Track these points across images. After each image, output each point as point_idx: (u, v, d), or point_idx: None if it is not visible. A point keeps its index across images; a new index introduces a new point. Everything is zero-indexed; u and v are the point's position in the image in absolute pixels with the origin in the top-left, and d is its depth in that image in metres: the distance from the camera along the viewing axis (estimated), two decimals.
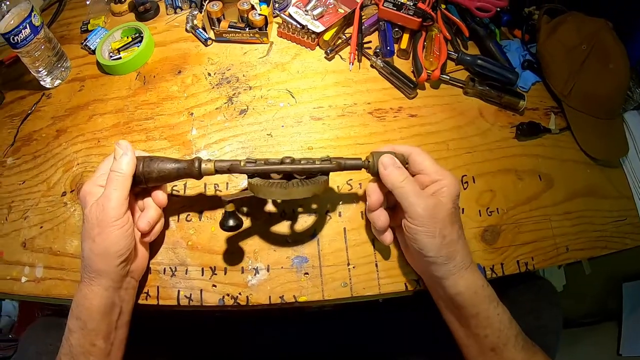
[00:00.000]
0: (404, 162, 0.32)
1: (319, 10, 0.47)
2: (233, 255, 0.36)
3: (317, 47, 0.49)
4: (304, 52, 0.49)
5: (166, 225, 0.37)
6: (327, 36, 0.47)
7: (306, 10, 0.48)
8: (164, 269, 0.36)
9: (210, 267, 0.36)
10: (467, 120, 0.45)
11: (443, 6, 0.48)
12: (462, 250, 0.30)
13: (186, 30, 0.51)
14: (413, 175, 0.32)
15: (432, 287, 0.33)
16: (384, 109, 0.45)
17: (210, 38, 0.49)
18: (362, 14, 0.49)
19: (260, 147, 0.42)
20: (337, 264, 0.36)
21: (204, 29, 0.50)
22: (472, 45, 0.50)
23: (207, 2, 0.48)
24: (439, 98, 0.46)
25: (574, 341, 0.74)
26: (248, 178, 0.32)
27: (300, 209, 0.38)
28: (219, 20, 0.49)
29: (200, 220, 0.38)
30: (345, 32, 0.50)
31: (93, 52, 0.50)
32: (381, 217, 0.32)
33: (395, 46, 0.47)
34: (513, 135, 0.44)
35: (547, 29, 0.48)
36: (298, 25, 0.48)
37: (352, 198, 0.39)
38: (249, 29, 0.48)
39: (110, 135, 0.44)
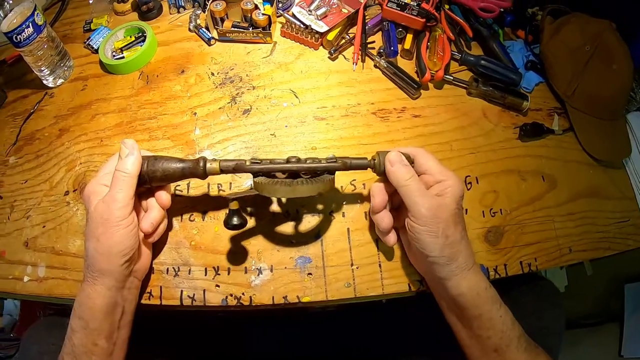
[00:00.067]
0: (410, 161, 0.32)
1: (322, 10, 0.47)
2: (236, 255, 0.36)
3: (321, 47, 0.49)
4: (308, 52, 0.49)
5: (169, 226, 0.37)
6: (330, 36, 0.47)
7: (310, 10, 0.48)
8: (167, 268, 0.36)
9: (214, 267, 0.36)
10: (470, 120, 0.45)
11: (446, 6, 0.48)
12: (465, 251, 0.30)
13: (189, 29, 0.51)
14: (418, 176, 0.32)
15: (434, 287, 0.33)
16: (388, 109, 0.44)
17: (213, 37, 0.49)
18: (366, 14, 0.49)
19: (264, 147, 0.42)
20: (341, 264, 0.36)
21: (207, 28, 0.50)
22: (475, 46, 0.50)
23: (210, 1, 0.48)
24: (442, 98, 0.46)
25: (575, 342, 0.74)
26: (253, 177, 0.32)
27: (304, 210, 0.38)
28: (222, 20, 0.49)
29: (203, 220, 0.38)
30: (349, 32, 0.50)
31: (96, 51, 0.50)
32: (385, 219, 0.32)
33: (399, 46, 0.47)
34: (516, 136, 0.44)
35: (551, 30, 0.48)
36: (302, 25, 0.48)
37: (356, 198, 0.39)
38: (253, 29, 0.48)
39: (113, 134, 0.44)
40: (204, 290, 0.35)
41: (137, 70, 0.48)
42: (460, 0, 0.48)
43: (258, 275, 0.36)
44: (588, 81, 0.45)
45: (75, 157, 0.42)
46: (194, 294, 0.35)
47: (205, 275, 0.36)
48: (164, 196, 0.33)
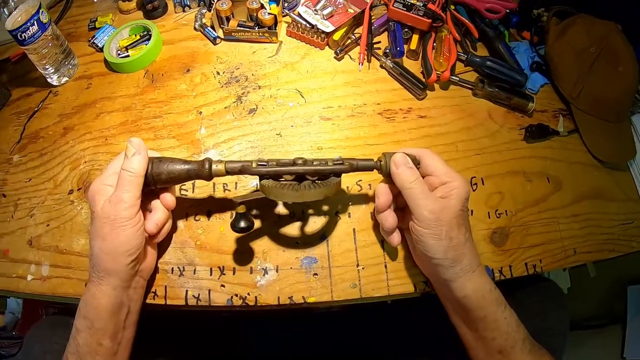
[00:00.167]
0: (416, 163, 0.32)
1: (328, 9, 0.47)
2: (242, 255, 0.36)
3: (327, 46, 0.49)
4: (314, 51, 0.49)
5: (174, 227, 0.37)
6: (336, 36, 0.47)
7: (316, 10, 0.48)
8: (172, 268, 0.36)
9: (219, 267, 0.36)
10: (476, 121, 0.45)
11: (452, 7, 0.48)
12: (469, 253, 0.30)
13: (194, 28, 0.51)
14: (423, 177, 0.32)
15: (439, 289, 0.33)
16: (394, 109, 0.44)
17: (219, 37, 0.49)
18: (372, 14, 0.49)
19: (270, 147, 0.42)
20: (347, 264, 0.36)
21: (212, 27, 0.50)
22: (480, 47, 0.50)
23: (216, 0, 0.48)
24: (448, 99, 0.46)
25: (578, 344, 0.74)
26: (260, 179, 0.32)
27: (310, 211, 0.38)
28: (228, 19, 0.49)
29: (208, 220, 0.38)
30: (355, 32, 0.50)
31: (100, 49, 0.50)
32: (389, 219, 0.32)
33: (405, 47, 0.47)
34: (522, 137, 0.44)
35: (556, 31, 0.48)
36: (307, 25, 0.48)
37: (362, 199, 0.39)
38: (258, 28, 0.48)
39: (118, 133, 0.43)
40: (209, 290, 0.35)
41: (142, 69, 0.48)
42: (466, 1, 0.48)
43: (264, 275, 0.36)
44: (593, 83, 0.45)
45: (79, 155, 0.42)
46: (199, 294, 0.35)
47: (211, 275, 0.36)
48: (168, 198, 0.32)
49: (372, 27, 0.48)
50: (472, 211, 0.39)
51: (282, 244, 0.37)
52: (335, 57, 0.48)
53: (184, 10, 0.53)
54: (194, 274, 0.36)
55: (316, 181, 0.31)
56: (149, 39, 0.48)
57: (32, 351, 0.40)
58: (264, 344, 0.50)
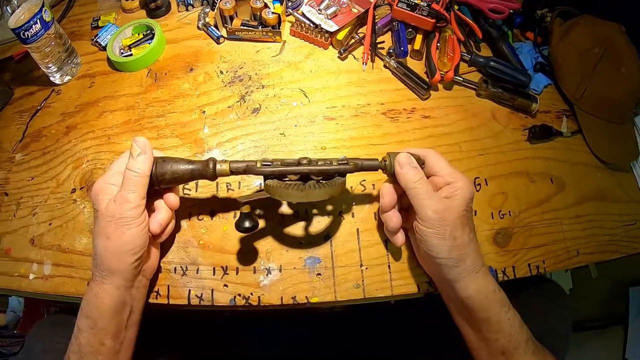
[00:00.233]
0: (421, 163, 0.32)
1: (332, 9, 0.47)
2: (245, 255, 0.36)
3: (330, 46, 0.49)
4: (317, 51, 0.49)
5: (177, 227, 0.37)
6: (340, 36, 0.47)
7: (319, 9, 0.47)
8: (175, 267, 0.36)
9: (222, 267, 0.36)
10: (479, 122, 0.44)
11: (456, 7, 0.48)
12: (473, 254, 0.30)
13: (198, 27, 0.51)
14: (428, 177, 0.32)
15: (443, 289, 0.33)
16: (398, 109, 0.44)
17: (222, 36, 0.49)
18: (375, 13, 0.49)
19: (273, 147, 0.41)
20: (350, 264, 0.36)
21: (216, 26, 0.50)
22: (484, 47, 0.50)
23: None
24: (452, 99, 0.46)
25: (580, 345, 0.74)
26: (264, 179, 0.31)
27: (314, 210, 0.38)
28: (231, 18, 0.48)
29: (212, 219, 0.38)
30: (359, 31, 0.50)
31: (104, 48, 0.49)
32: (393, 218, 0.32)
33: (409, 47, 0.47)
34: (525, 138, 0.44)
35: (560, 32, 0.48)
36: (311, 24, 0.48)
37: (366, 199, 0.39)
38: (262, 27, 0.48)
39: (121, 132, 0.43)
40: (212, 290, 0.35)
41: (145, 68, 0.48)
42: (469, 1, 0.48)
43: (267, 275, 0.35)
44: (597, 84, 0.45)
45: (82, 154, 0.42)
46: (201, 294, 0.35)
47: (214, 274, 0.36)
48: (172, 198, 0.32)
49: (376, 27, 0.48)
50: (475, 212, 0.39)
51: (285, 244, 0.37)
52: (339, 57, 0.48)
53: (187, 9, 0.53)
54: (197, 273, 0.36)
55: (321, 181, 0.31)
56: (152, 38, 0.48)
57: (33, 350, 0.40)
58: (266, 344, 0.50)
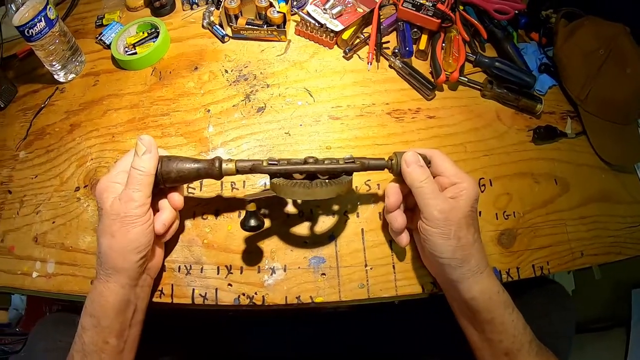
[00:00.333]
0: (427, 162, 0.32)
1: (337, 9, 0.47)
2: (249, 254, 0.36)
3: (336, 46, 0.48)
4: (322, 50, 0.49)
5: (181, 227, 0.37)
6: (345, 35, 0.47)
7: (325, 9, 0.47)
8: (179, 266, 0.36)
9: (226, 266, 0.36)
10: (484, 122, 0.44)
11: (461, 8, 0.48)
12: (477, 254, 0.30)
13: (203, 26, 0.51)
14: (433, 177, 0.31)
15: (447, 290, 0.33)
16: (403, 109, 0.44)
17: (227, 35, 0.49)
18: (381, 13, 0.49)
19: (278, 146, 0.41)
20: (355, 264, 0.36)
21: (221, 25, 0.50)
22: (489, 48, 0.50)
23: None
24: (456, 100, 0.46)
25: (582, 347, 0.73)
26: (270, 178, 0.31)
27: (319, 210, 0.38)
28: (236, 17, 0.48)
29: (216, 218, 0.38)
30: (364, 31, 0.50)
31: (108, 46, 0.49)
32: (398, 219, 0.32)
33: (414, 47, 0.47)
34: (530, 139, 0.44)
35: (565, 33, 0.48)
36: (316, 24, 0.48)
37: (370, 199, 0.39)
38: (267, 27, 0.48)
39: (125, 130, 0.43)
40: (216, 289, 0.35)
41: (149, 67, 0.48)
42: (474, 1, 0.48)
43: (271, 274, 0.35)
44: (601, 85, 0.45)
45: (86, 152, 0.42)
46: (205, 293, 0.35)
47: (218, 274, 0.35)
48: (176, 197, 0.32)
49: (381, 27, 0.48)
50: (480, 212, 0.39)
51: (290, 244, 0.36)
52: (344, 57, 0.48)
53: (191, 8, 0.53)
54: (201, 272, 0.36)
55: (327, 180, 0.31)
56: (156, 37, 0.48)
57: (35, 349, 0.40)
58: (270, 343, 0.50)
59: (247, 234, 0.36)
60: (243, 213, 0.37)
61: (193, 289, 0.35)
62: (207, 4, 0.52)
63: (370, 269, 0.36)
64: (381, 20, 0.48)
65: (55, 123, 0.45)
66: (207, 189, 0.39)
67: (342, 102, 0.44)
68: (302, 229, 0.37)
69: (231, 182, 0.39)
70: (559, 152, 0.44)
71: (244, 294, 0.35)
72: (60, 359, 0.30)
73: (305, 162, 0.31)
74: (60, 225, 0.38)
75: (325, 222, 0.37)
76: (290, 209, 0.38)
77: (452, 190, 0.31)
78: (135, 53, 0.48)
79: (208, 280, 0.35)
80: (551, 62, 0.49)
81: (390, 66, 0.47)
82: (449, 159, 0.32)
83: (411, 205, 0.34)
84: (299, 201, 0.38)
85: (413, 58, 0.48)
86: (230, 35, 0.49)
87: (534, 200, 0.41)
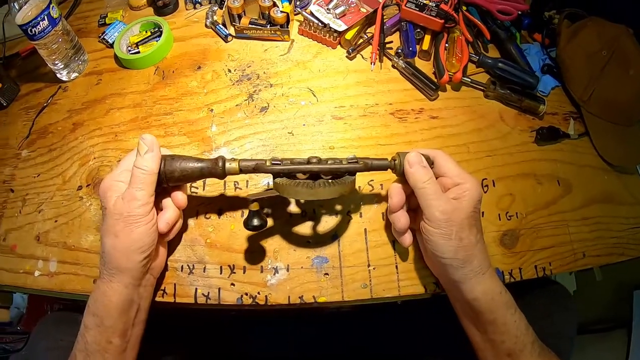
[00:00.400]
0: (430, 163, 0.32)
1: (341, 8, 0.47)
2: (252, 254, 0.36)
3: (339, 46, 0.48)
4: (325, 50, 0.49)
5: (184, 226, 0.37)
6: (348, 35, 0.47)
7: (328, 9, 0.47)
8: (182, 266, 0.36)
9: (229, 266, 0.36)
10: (487, 123, 0.44)
11: (464, 8, 0.48)
12: (479, 255, 0.30)
13: (206, 25, 0.51)
14: (436, 178, 0.31)
15: (449, 290, 0.33)
16: (406, 110, 0.44)
17: (230, 34, 0.49)
18: (384, 13, 0.49)
19: (282, 146, 0.41)
20: (358, 264, 0.36)
21: (224, 25, 0.50)
22: (492, 48, 0.50)
23: None
24: (460, 100, 0.46)
25: (583, 347, 0.73)
26: (274, 178, 0.31)
27: (322, 210, 0.38)
28: (239, 17, 0.48)
29: (219, 218, 0.38)
30: (367, 31, 0.50)
31: (111, 45, 0.49)
32: (401, 219, 0.32)
33: (417, 47, 0.47)
34: (532, 140, 0.44)
35: (568, 34, 0.48)
36: (320, 24, 0.48)
37: (374, 199, 0.39)
38: (270, 26, 0.48)
39: (128, 129, 0.43)
40: (219, 289, 0.35)
41: (152, 66, 0.48)
42: (478, 2, 0.48)
43: (274, 274, 0.35)
44: (604, 86, 0.45)
45: (89, 151, 0.42)
46: (208, 292, 0.35)
47: (221, 273, 0.35)
48: (179, 196, 0.32)
49: (384, 27, 0.48)
50: (482, 213, 0.39)
51: (293, 243, 0.36)
52: (347, 57, 0.48)
53: (195, 8, 0.53)
54: (204, 272, 0.35)
55: (330, 180, 0.31)
56: (159, 36, 0.48)
57: (36, 348, 0.40)
58: (273, 343, 0.50)
59: (250, 233, 0.36)
60: (246, 212, 0.37)
61: (196, 289, 0.35)
62: (210, 3, 0.52)
63: (373, 269, 0.36)
64: (384, 21, 0.48)
65: (58, 122, 0.45)
66: (210, 188, 0.39)
67: (345, 102, 0.44)
68: (305, 228, 0.37)
69: (234, 181, 0.39)
70: (561, 153, 0.44)
71: (246, 294, 0.35)
72: (62, 358, 0.30)
73: (308, 162, 0.31)
74: (62, 224, 0.38)
75: (328, 222, 0.37)
76: (293, 208, 0.38)
77: (455, 191, 0.31)
78: (138, 52, 0.48)
79: (211, 279, 0.35)
80: (554, 63, 0.49)
81: (393, 66, 0.47)
82: (452, 160, 0.32)
83: (414, 206, 0.34)
84: (302, 201, 0.38)
85: (416, 58, 0.48)
86: (234, 34, 0.49)
87: (537, 201, 0.41)
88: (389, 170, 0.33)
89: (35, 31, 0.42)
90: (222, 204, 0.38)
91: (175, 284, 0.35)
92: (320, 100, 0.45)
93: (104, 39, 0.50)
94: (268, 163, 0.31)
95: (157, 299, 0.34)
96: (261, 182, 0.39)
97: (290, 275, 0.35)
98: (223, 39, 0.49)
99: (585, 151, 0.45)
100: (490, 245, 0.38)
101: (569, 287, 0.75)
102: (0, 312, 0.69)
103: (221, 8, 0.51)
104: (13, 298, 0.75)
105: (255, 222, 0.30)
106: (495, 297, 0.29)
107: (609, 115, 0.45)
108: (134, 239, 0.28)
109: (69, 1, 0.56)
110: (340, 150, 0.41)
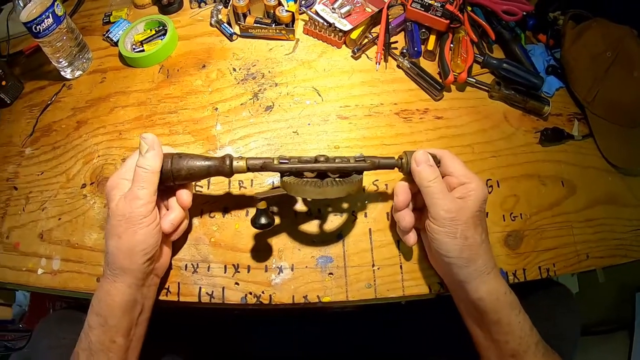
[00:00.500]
0: (437, 162, 0.32)
1: (346, 8, 0.47)
2: (257, 253, 0.36)
3: (344, 45, 0.48)
4: (331, 50, 0.49)
5: (189, 226, 0.37)
6: (354, 35, 0.47)
7: (333, 8, 0.47)
8: (186, 265, 0.36)
9: (233, 265, 0.36)
10: (492, 123, 0.44)
11: (469, 8, 0.48)
12: (484, 255, 0.30)
13: (210, 24, 0.51)
14: (442, 177, 0.31)
15: (454, 290, 0.33)
16: (411, 110, 0.44)
17: (235, 33, 0.49)
18: (389, 13, 0.49)
19: (287, 145, 0.41)
20: (362, 264, 0.36)
21: (229, 23, 0.50)
22: (497, 49, 0.50)
23: None
24: (464, 100, 0.46)
25: (586, 349, 0.73)
26: (281, 176, 0.31)
27: (328, 209, 0.38)
28: (244, 16, 0.48)
29: (223, 217, 0.37)
30: (372, 31, 0.50)
31: (115, 44, 0.49)
32: (406, 217, 0.32)
33: (422, 47, 0.47)
34: (537, 141, 0.44)
35: (572, 35, 0.48)
36: (325, 23, 0.48)
37: (378, 198, 0.39)
38: (275, 25, 0.48)
39: (132, 128, 0.43)
40: (223, 288, 0.35)
41: (157, 64, 0.48)
42: (483, 2, 0.48)
43: (279, 273, 0.35)
44: (609, 87, 0.45)
45: (93, 149, 0.42)
46: (212, 291, 0.35)
47: (225, 272, 0.35)
48: (184, 195, 0.32)
49: (390, 27, 0.48)
50: (487, 213, 0.39)
51: (298, 242, 0.36)
52: (352, 56, 0.48)
53: (199, 6, 0.53)
54: (208, 271, 0.35)
55: (338, 179, 0.31)
56: (164, 34, 0.48)
57: (39, 346, 0.40)
58: (277, 343, 0.50)
59: (255, 232, 0.36)
60: (251, 211, 0.37)
61: (200, 288, 0.35)
62: (215, 2, 0.52)
63: (378, 269, 0.36)
64: (389, 20, 0.48)
65: (62, 120, 0.45)
66: (214, 187, 0.39)
67: (350, 101, 0.44)
68: (310, 227, 0.37)
69: (239, 180, 0.39)
70: (565, 154, 0.44)
71: (251, 293, 0.35)
72: (64, 357, 0.30)
73: (316, 160, 0.31)
74: (66, 222, 0.38)
75: (333, 221, 0.37)
76: (299, 207, 0.38)
77: (461, 190, 0.31)
78: (143, 50, 0.48)
79: (215, 278, 0.35)
80: (558, 64, 0.49)
81: (398, 66, 0.47)
82: (458, 160, 0.32)
83: (419, 205, 0.34)
84: (309, 200, 0.38)
85: (421, 58, 0.48)
86: (239, 33, 0.49)
87: (541, 202, 0.41)
88: (394, 169, 0.33)
89: (39, 29, 0.42)
90: (226, 203, 0.38)
91: (179, 283, 0.35)
92: (325, 99, 0.45)
93: (108, 37, 0.50)
94: (276, 161, 0.31)
95: (161, 297, 0.34)
96: (266, 181, 0.39)
97: (295, 275, 0.35)
98: (228, 38, 0.49)
99: (589, 152, 0.45)
100: (494, 245, 0.38)
101: (572, 289, 0.74)
102: (2, 309, 0.69)
103: (226, 7, 0.51)
104: (15, 296, 0.75)
105: (263, 220, 0.30)
106: (500, 297, 0.29)
107: (613, 116, 0.45)
108: (137, 241, 0.28)
109: None
110: (345, 150, 0.41)
